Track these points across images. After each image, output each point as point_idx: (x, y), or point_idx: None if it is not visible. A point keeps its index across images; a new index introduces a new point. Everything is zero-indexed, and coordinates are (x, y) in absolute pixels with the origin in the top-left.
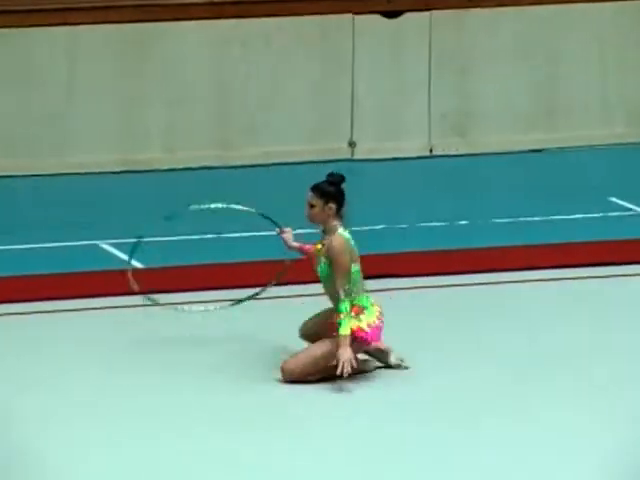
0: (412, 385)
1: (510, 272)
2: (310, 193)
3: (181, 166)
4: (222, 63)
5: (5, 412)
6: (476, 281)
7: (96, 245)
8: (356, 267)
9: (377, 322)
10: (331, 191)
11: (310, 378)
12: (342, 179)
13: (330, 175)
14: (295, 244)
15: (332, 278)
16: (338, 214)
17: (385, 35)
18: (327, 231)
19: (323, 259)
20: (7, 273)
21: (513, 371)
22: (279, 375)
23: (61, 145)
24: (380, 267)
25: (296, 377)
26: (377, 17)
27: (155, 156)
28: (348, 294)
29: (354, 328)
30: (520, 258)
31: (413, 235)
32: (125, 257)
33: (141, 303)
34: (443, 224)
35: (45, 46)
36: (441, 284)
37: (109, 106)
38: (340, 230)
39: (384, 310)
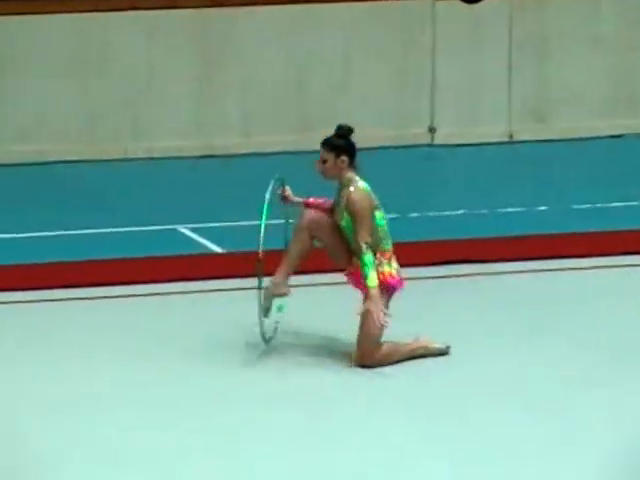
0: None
1: (583, 259)
2: (321, 149)
3: (259, 151)
4: (300, 48)
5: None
6: (550, 267)
7: (175, 229)
8: (380, 214)
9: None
10: (341, 144)
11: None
12: (350, 131)
13: (339, 128)
14: (298, 199)
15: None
16: (351, 165)
17: (465, 21)
18: (344, 183)
19: (345, 213)
20: (88, 256)
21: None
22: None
23: (141, 130)
24: (459, 252)
25: (373, 357)
26: (457, 2)
27: (234, 141)
28: (370, 246)
29: (386, 274)
30: (597, 244)
31: (492, 221)
32: (204, 241)
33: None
34: (522, 210)
35: (123, 31)
36: (514, 270)
37: (187, 91)
38: (357, 180)
39: (448, 293)
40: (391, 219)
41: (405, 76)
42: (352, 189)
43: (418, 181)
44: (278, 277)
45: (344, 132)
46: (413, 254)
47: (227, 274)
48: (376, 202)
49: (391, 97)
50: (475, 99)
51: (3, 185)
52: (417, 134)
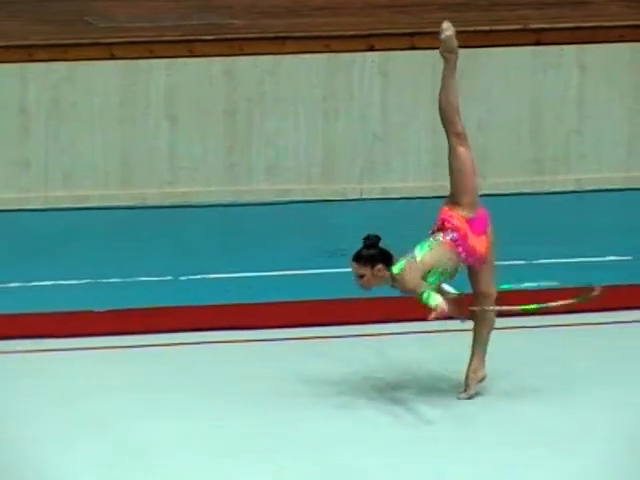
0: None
1: None
2: (354, 264)
3: (493, 192)
4: (538, 88)
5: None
6: None
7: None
8: (434, 278)
9: None
10: (373, 254)
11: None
12: (378, 239)
13: (366, 239)
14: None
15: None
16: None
17: None
18: (393, 283)
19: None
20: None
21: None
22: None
23: (373, 170)
24: None
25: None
26: None
27: None
28: (424, 289)
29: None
30: None
31: None
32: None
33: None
34: None
35: (357, 69)
36: None
37: (420, 130)
38: (395, 270)
39: None
40: None
41: None
42: (399, 277)
43: None
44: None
45: (372, 242)
46: None
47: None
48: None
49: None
50: None
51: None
52: None
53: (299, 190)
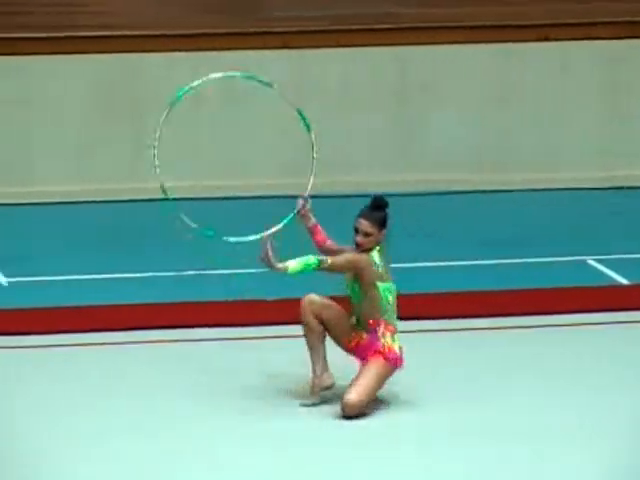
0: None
1: None
2: (364, 222)
3: None
4: None
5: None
6: None
7: (584, 261)
8: (386, 286)
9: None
10: (384, 217)
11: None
12: (387, 203)
13: (378, 199)
14: (312, 222)
15: (364, 296)
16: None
17: None
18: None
19: (349, 277)
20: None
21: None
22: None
23: (551, 159)
24: None
25: (359, 410)
26: None
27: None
28: (325, 262)
29: (386, 346)
30: None
31: None
32: (610, 273)
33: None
34: None
35: (537, 61)
36: None
37: (594, 121)
38: (373, 251)
39: None
40: None
41: None
42: (365, 254)
43: None
44: (318, 371)
45: (384, 203)
46: None
47: (633, 306)
48: (384, 274)
49: None
50: None
51: None
52: None
53: (468, 180)
